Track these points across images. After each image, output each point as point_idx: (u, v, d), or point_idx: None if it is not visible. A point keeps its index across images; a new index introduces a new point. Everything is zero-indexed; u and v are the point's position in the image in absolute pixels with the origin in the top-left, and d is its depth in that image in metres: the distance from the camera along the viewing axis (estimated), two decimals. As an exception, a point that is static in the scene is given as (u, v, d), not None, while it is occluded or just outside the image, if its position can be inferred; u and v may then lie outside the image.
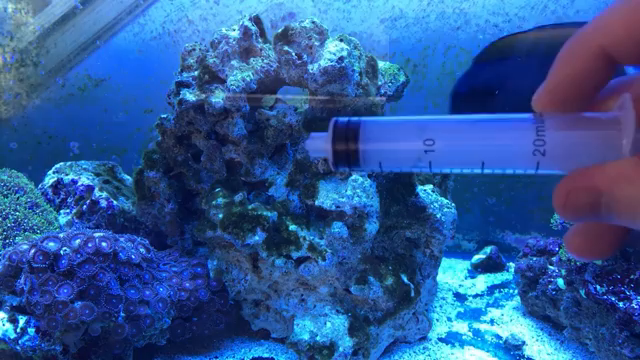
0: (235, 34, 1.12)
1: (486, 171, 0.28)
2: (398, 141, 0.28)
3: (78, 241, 0.96)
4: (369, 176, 1.05)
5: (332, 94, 1.04)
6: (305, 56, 1.05)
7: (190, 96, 1.12)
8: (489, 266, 1.70)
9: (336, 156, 0.30)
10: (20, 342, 0.90)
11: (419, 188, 1.16)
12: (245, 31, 1.11)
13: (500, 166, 0.27)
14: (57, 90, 2.02)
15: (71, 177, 1.39)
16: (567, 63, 0.26)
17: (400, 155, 0.28)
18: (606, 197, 0.23)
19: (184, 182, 1.23)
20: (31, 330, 0.90)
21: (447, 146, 0.27)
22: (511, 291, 1.53)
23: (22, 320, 0.91)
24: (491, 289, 1.56)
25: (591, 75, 0.25)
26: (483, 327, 1.31)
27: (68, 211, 1.35)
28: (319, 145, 0.30)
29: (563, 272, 1.13)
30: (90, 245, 0.96)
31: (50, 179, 1.41)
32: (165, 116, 1.18)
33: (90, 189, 1.35)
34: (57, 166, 1.47)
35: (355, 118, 0.30)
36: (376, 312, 1.10)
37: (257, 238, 1.04)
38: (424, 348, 1.20)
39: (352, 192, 1.02)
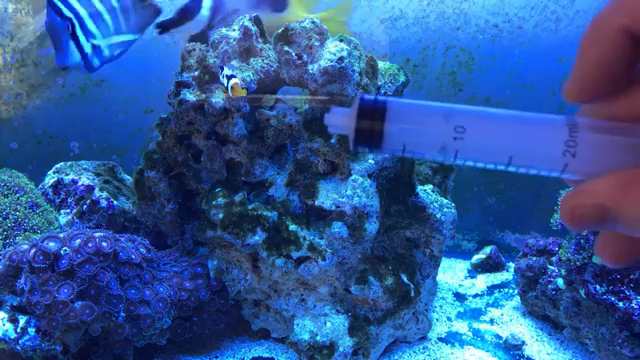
0: (235, 34, 1.12)
1: (510, 169, 0.27)
2: (427, 124, 0.27)
3: (78, 241, 0.96)
4: (369, 176, 1.05)
5: (332, 94, 1.05)
6: (305, 56, 1.05)
7: (190, 96, 1.12)
8: (489, 266, 1.70)
9: (358, 134, 0.27)
10: (20, 342, 0.90)
11: (419, 188, 1.16)
12: (245, 31, 1.11)
13: (527, 163, 0.26)
14: (57, 90, 2.02)
15: (71, 177, 1.39)
16: (590, 48, 0.25)
17: (427, 140, 0.27)
18: (612, 212, 0.23)
19: (184, 182, 1.23)
20: (31, 330, 0.91)
21: (477, 135, 0.26)
22: (511, 291, 1.53)
23: (22, 320, 0.91)
24: (491, 289, 1.56)
25: (618, 57, 0.24)
26: (483, 327, 1.31)
27: (68, 211, 1.35)
28: (340, 121, 0.28)
29: (563, 272, 1.14)
30: (90, 245, 0.96)
31: (50, 179, 1.41)
32: (165, 116, 1.18)
33: (90, 189, 1.35)
34: (57, 166, 1.47)
35: (382, 97, 0.28)
36: (376, 312, 1.10)
37: (257, 238, 1.04)
38: (424, 348, 1.20)
39: (352, 192, 1.02)
